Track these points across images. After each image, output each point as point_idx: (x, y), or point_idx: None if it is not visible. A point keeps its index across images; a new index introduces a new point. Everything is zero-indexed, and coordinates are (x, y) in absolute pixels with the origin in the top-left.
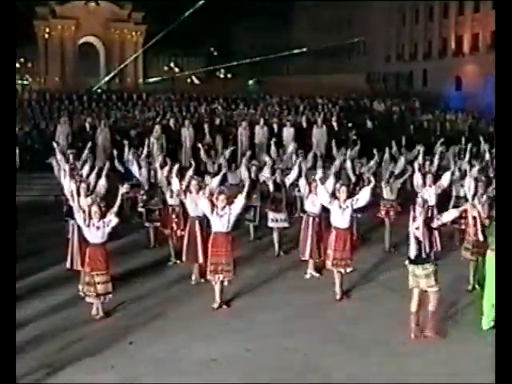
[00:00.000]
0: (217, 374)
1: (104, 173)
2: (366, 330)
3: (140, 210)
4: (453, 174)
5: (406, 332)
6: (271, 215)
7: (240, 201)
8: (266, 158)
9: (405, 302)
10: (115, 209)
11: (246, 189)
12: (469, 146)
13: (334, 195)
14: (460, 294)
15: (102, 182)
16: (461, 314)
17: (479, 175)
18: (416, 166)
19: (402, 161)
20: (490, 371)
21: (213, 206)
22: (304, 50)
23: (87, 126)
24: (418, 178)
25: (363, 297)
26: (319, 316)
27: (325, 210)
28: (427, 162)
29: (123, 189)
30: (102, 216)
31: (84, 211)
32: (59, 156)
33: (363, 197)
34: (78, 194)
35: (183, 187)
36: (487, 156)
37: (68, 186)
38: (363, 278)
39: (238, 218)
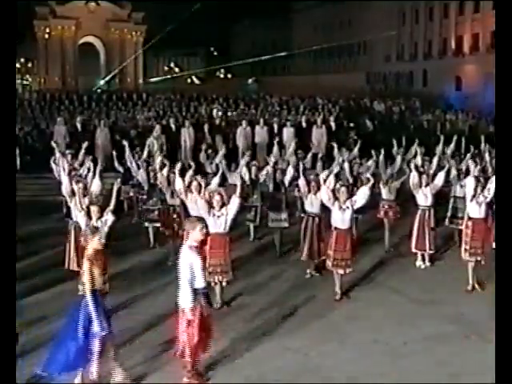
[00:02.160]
0: (217, 374)
1: (97, 172)
2: (366, 329)
3: (139, 209)
4: (448, 173)
5: (406, 332)
6: (272, 215)
7: (235, 201)
8: (272, 158)
9: (405, 302)
10: (111, 207)
11: (238, 188)
12: (469, 146)
13: (334, 195)
14: (460, 294)
15: (97, 181)
16: (461, 314)
17: (479, 175)
18: (412, 165)
19: (398, 160)
20: (490, 371)
21: (210, 207)
22: (304, 50)
23: (78, 125)
24: (414, 178)
25: (363, 297)
26: (319, 316)
27: (325, 210)
28: (426, 162)
29: (117, 183)
30: (101, 215)
31: (83, 211)
32: (58, 156)
33: (361, 196)
34: (77, 194)
35: (185, 186)
36: (487, 156)
37: (66, 185)
38: (363, 278)
39: (237, 219)
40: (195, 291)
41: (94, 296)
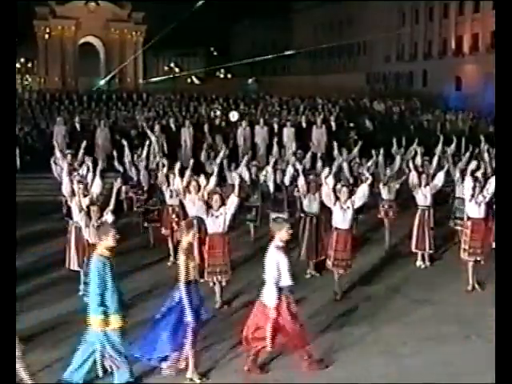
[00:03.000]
0: (217, 374)
1: (98, 172)
2: (366, 329)
3: (139, 210)
4: (448, 173)
5: (406, 332)
6: (273, 216)
7: (233, 200)
8: (271, 158)
9: (405, 302)
10: (111, 206)
11: (236, 188)
12: (469, 146)
13: (335, 195)
14: (460, 293)
15: (98, 181)
16: (461, 314)
17: (478, 176)
18: (411, 165)
19: (397, 160)
20: (489, 371)
21: (208, 207)
22: (304, 49)
23: (77, 125)
24: (413, 178)
25: (363, 297)
26: (319, 316)
27: (324, 210)
28: (426, 163)
29: (117, 184)
30: (101, 215)
31: (83, 211)
32: (58, 156)
33: (360, 195)
34: (77, 194)
35: (183, 187)
36: (486, 156)
37: (66, 185)
38: (363, 277)
39: (237, 219)
40: (280, 289)
41: (187, 287)
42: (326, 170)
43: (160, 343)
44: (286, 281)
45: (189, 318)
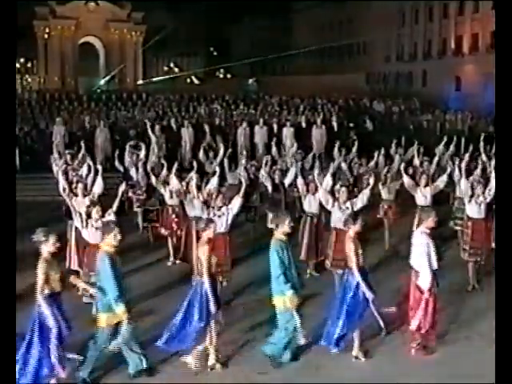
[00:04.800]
0: (217, 374)
1: (99, 172)
2: (366, 330)
3: (138, 210)
4: (451, 175)
5: (405, 332)
6: (270, 216)
7: (237, 201)
8: (266, 159)
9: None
10: (114, 208)
11: (243, 189)
12: (469, 146)
13: (333, 196)
14: (460, 294)
15: (99, 181)
16: (461, 314)
17: (477, 176)
18: (402, 169)
19: (396, 160)
20: (490, 371)
21: (207, 207)
22: (304, 49)
23: (87, 125)
24: (408, 182)
25: None
26: (319, 316)
27: (324, 210)
28: (426, 163)
29: (122, 186)
30: (102, 216)
31: (81, 212)
32: (56, 156)
33: (362, 199)
34: (76, 195)
35: (183, 187)
36: (484, 156)
37: (62, 186)
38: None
39: (237, 218)
40: (433, 273)
41: (361, 271)
42: (317, 170)
43: (338, 324)
44: (434, 265)
45: (369, 296)
